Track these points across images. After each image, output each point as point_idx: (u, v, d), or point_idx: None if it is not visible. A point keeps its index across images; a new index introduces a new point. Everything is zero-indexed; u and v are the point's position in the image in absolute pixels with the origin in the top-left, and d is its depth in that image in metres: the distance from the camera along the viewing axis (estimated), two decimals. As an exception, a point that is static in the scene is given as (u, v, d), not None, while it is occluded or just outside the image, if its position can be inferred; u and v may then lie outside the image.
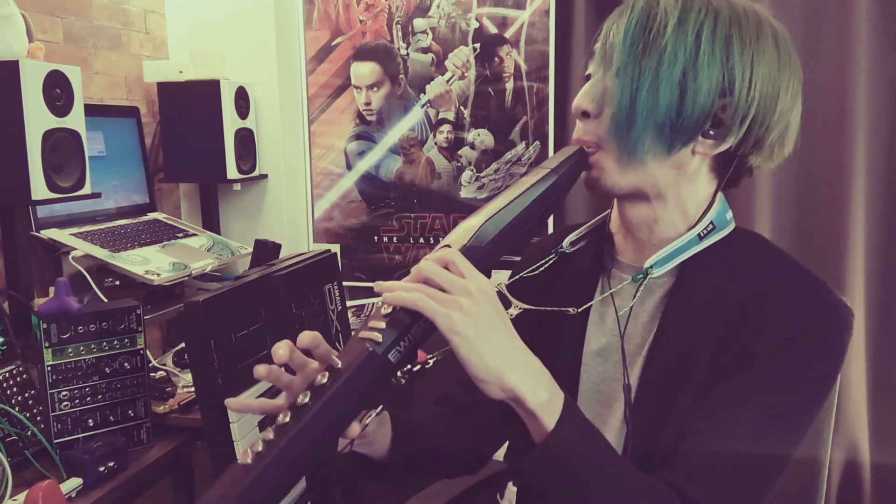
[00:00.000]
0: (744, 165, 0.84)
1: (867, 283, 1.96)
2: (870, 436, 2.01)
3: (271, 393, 1.21)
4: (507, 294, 0.85)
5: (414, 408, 0.95)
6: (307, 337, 0.70)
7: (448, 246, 0.72)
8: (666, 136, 0.78)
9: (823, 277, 0.81)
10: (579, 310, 0.86)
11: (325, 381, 0.65)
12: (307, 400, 0.64)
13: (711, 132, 0.79)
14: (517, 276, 0.95)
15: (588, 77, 0.85)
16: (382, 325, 0.66)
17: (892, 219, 1.94)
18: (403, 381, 0.73)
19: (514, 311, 0.82)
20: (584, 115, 0.83)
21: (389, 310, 0.67)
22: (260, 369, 0.70)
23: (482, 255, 0.72)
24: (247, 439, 1.13)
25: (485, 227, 0.73)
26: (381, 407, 0.81)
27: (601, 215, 0.95)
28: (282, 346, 0.70)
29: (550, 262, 0.94)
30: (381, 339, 0.65)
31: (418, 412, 0.96)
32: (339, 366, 0.66)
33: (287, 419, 0.64)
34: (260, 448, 0.63)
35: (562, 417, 0.68)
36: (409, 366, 0.73)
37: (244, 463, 0.62)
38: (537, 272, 0.94)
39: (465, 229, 0.73)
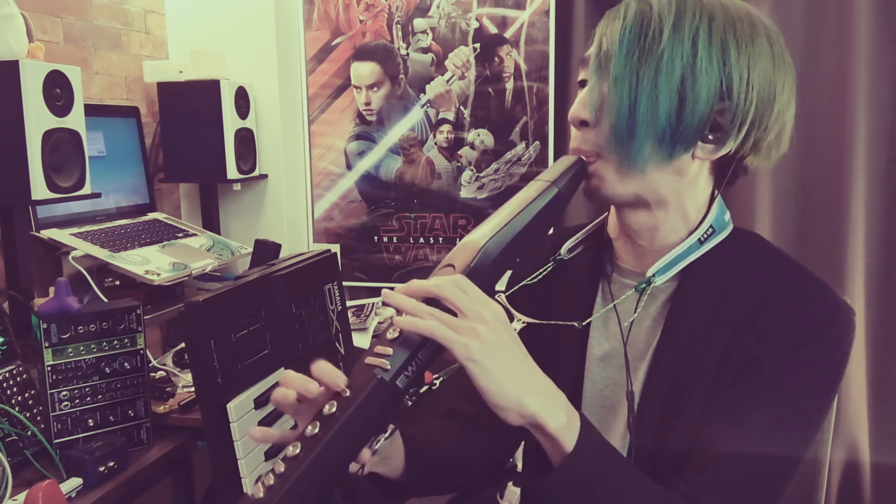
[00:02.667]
0: (741, 166, 0.84)
1: (867, 282, 1.96)
2: (870, 436, 2.01)
3: (271, 393, 1.21)
4: (510, 307, 0.84)
5: (420, 421, 0.94)
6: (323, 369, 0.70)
7: (451, 266, 0.70)
8: (667, 144, 0.77)
9: (824, 277, 0.81)
10: (583, 323, 0.86)
11: (333, 410, 0.64)
12: (317, 430, 0.64)
13: (711, 137, 0.78)
14: (517, 287, 0.93)
15: (582, 83, 0.84)
16: (390, 350, 0.65)
17: (892, 219, 1.94)
18: (411, 402, 0.72)
19: (517, 325, 0.82)
20: (583, 124, 0.82)
21: (396, 334, 0.66)
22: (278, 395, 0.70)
23: (487, 276, 0.71)
24: (247, 439, 1.13)
25: (487, 246, 0.71)
26: (390, 430, 0.80)
27: (598, 219, 0.94)
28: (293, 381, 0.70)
29: (549, 269, 0.94)
30: (389, 366, 0.65)
31: (428, 427, 0.94)
32: (348, 394, 0.65)
33: (297, 451, 0.63)
34: (272, 481, 0.63)
35: (580, 439, 0.68)
36: (416, 388, 0.73)
37: (256, 497, 0.62)
38: (536, 280, 0.94)
39: (468, 248, 0.71)
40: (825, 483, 1.13)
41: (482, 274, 0.70)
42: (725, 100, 0.76)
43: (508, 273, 0.99)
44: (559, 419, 0.67)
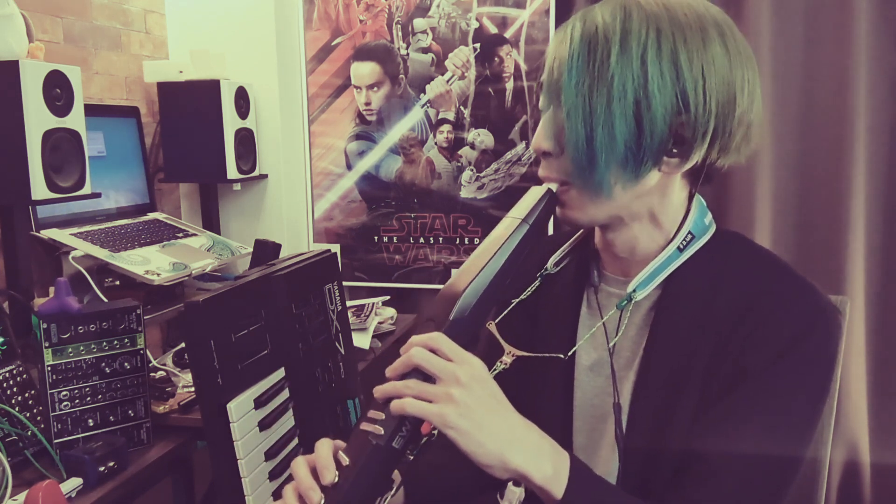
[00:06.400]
0: (713, 168, 0.82)
1: (867, 282, 1.96)
2: (870, 436, 2.01)
3: (271, 393, 1.21)
4: (499, 338, 0.83)
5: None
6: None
7: (432, 320, 0.71)
8: (631, 167, 0.76)
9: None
10: (568, 354, 0.85)
11: (335, 479, 0.66)
12: (322, 502, 0.65)
13: (675, 151, 0.77)
14: (507, 310, 0.92)
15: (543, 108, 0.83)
16: (382, 415, 0.66)
17: (892, 219, 1.94)
18: (412, 456, 0.73)
19: (507, 360, 0.81)
20: (546, 154, 0.81)
21: None
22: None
23: (467, 326, 0.71)
24: (247, 439, 1.13)
25: (465, 295, 0.71)
26: (396, 486, 0.81)
27: (581, 231, 0.93)
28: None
29: (537, 286, 0.93)
30: (382, 431, 0.66)
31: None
32: (347, 462, 0.66)
33: None
34: None
35: (569, 486, 0.68)
36: (415, 444, 0.73)
37: None
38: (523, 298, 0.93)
39: (445, 300, 0.71)
40: (825, 483, 1.13)
41: (462, 325, 0.71)
42: (683, 113, 0.74)
43: None
44: (544, 470, 0.68)
